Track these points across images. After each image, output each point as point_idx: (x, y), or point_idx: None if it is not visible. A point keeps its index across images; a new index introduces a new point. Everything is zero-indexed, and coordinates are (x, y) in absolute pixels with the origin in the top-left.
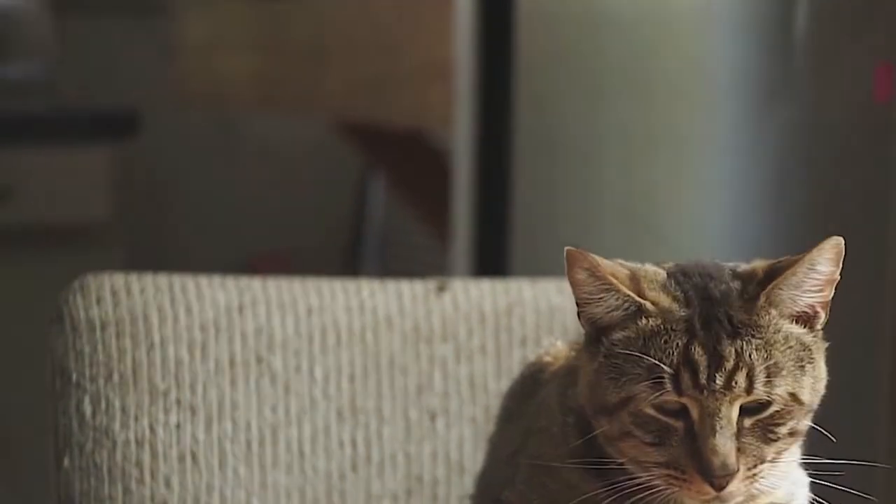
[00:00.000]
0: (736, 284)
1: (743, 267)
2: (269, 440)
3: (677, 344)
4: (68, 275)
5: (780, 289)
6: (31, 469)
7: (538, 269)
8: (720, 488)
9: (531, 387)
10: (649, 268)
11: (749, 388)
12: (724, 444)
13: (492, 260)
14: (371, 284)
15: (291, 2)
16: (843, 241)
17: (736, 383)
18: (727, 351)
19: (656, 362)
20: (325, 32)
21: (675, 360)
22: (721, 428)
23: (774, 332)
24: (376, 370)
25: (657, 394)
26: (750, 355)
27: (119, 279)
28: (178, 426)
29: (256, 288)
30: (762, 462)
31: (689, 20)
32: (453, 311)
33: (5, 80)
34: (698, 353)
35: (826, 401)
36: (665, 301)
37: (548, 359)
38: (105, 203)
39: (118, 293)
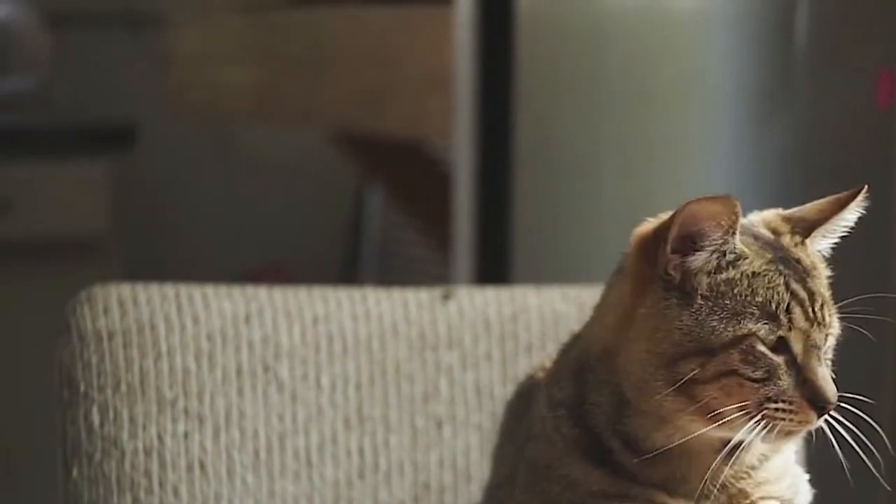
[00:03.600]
0: (768, 232)
1: (752, 217)
2: (277, 449)
3: (779, 283)
4: (66, 287)
5: (821, 234)
6: (35, 481)
7: (539, 277)
8: (823, 413)
9: (524, 404)
10: None
11: (832, 321)
12: (827, 372)
13: (492, 269)
14: (377, 293)
15: (288, 12)
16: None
17: (825, 317)
18: (815, 287)
19: (771, 301)
20: (323, 43)
21: (785, 297)
22: (823, 358)
23: (824, 272)
24: (382, 378)
25: (777, 329)
26: (824, 292)
27: (126, 290)
28: (185, 435)
29: (262, 297)
30: None
31: (689, 28)
32: (459, 319)
33: (1, 93)
34: (800, 289)
35: None
36: (752, 247)
37: (540, 374)
38: (102, 215)
39: (125, 303)
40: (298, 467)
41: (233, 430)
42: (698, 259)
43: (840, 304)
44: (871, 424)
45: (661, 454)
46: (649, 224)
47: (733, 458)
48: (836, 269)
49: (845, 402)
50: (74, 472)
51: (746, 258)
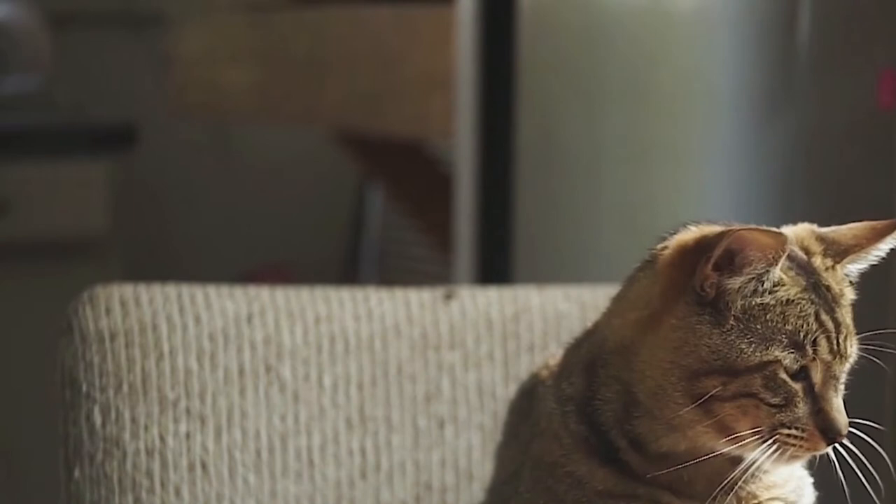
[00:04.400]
0: (803, 254)
1: (793, 229)
2: (279, 449)
3: (810, 312)
4: (66, 287)
5: (853, 262)
6: (37, 481)
7: (540, 277)
8: (833, 444)
9: (528, 403)
10: None
11: (853, 352)
12: (841, 404)
13: (494, 269)
14: (378, 293)
15: (289, 13)
16: None
17: (847, 349)
18: (841, 318)
19: (800, 330)
20: (324, 43)
21: (814, 328)
22: (839, 389)
23: (849, 300)
24: (385, 378)
25: (801, 359)
26: (848, 322)
27: (128, 290)
28: (187, 435)
29: (264, 297)
30: None
31: (691, 28)
32: (461, 319)
33: (2, 93)
34: (828, 320)
35: None
36: (790, 272)
37: (544, 373)
38: (103, 215)
39: (127, 304)
40: (300, 467)
41: (235, 431)
42: (736, 282)
43: (860, 336)
44: (874, 448)
45: (668, 456)
46: (692, 233)
47: (745, 472)
48: None
49: (852, 427)
50: (76, 473)
51: (783, 286)
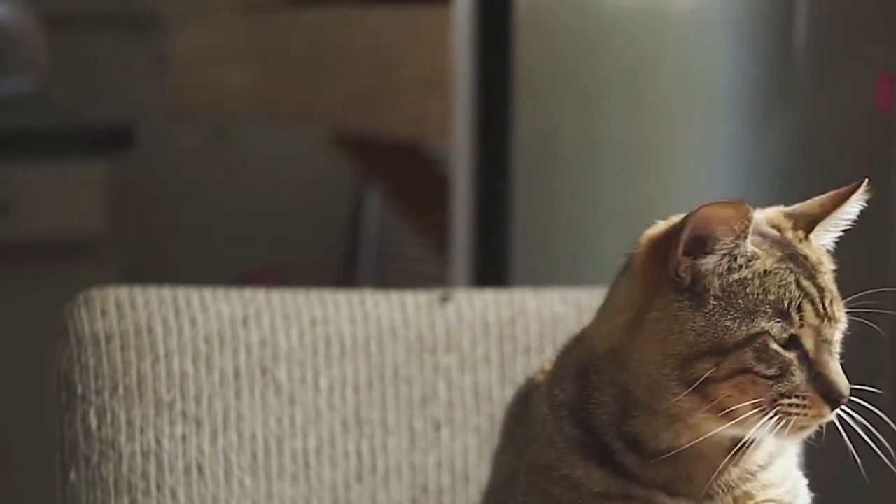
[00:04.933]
0: (773, 229)
1: (763, 212)
2: (275, 451)
3: (790, 280)
4: (63, 288)
5: (824, 229)
6: (33, 483)
7: (537, 279)
8: (837, 407)
9: (525, 407)
10: None
11: (841, 316)
12: (839, 367)
13: (490, 270)
14: (375, 295)
15: (287, 14)
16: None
17: (835, 313)
18: (824, 283)
19: (783, 299)
20: (321, 44)
21: (796, 295)
22: (834, 353)
23: (830, 267)
24: (381, 381)
25: (789, 327)
26: (832, 287)
27: (123, 292)
28: (183, 438)
29: (260, 300)
30: None
31: (688, 29)
32: (457, 322)
33: (0, 94)
34: (810, 286)
35: None
36: (762, 246)
37: (540, 377)
38: (100, 216)
39: (123, 306)
40: (296, 470)
41: (231, 433)
42: (709, 262)
43: (847, 300)
44: (880, 416)
45: (668, 452)
46: (659, 226)
47: (741, 455)
48: (838, 269)
49: (855, 395)
50: (72, 475)
51: (758, 258)
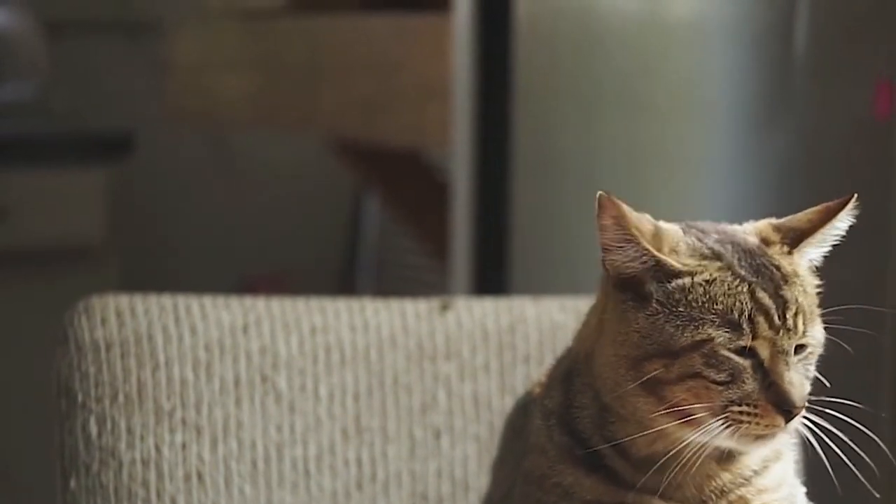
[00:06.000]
0: (755, 239)
1: (746, 226)
2: (275, 459)
3: (741, 291)
4: (62, 295)
5: (811, 245)
6: (33, 491)
7: (537, 286)
8: (791, 418)
9: (522, 419)
10: (669, 225)
11: (804, 331)
12: (796, 377)
13: (490, 278)
14: (374, 303)
15: (286, 21)
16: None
17: (798, 325)
18: (788, 295)
19: (732, 308)
20: (321, 51)
21: (748, 305)
22: (791, 364)
23: (806, 281)
24: (380, 389)
25: (737, 337)
26: (801, 300)
27: (123, 300)
28: (183, 446)
29: (260, 308)
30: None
31: (687, 38)
32: (457, 330)
33: None
34: (766, 298)
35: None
36: (705, 250)
37: (538, 389)
38: (99, 223)
39: (123, 314)
40: (296, 478)
41: (231, 441)
42: (611, 257)
43: (824, 312)
44: (864, 432)
45: (651, 460)
46: None
47: (731, 461)
48: (836, 278)
49: (834, 409)
50: (72, 483)
51: (700, 268)
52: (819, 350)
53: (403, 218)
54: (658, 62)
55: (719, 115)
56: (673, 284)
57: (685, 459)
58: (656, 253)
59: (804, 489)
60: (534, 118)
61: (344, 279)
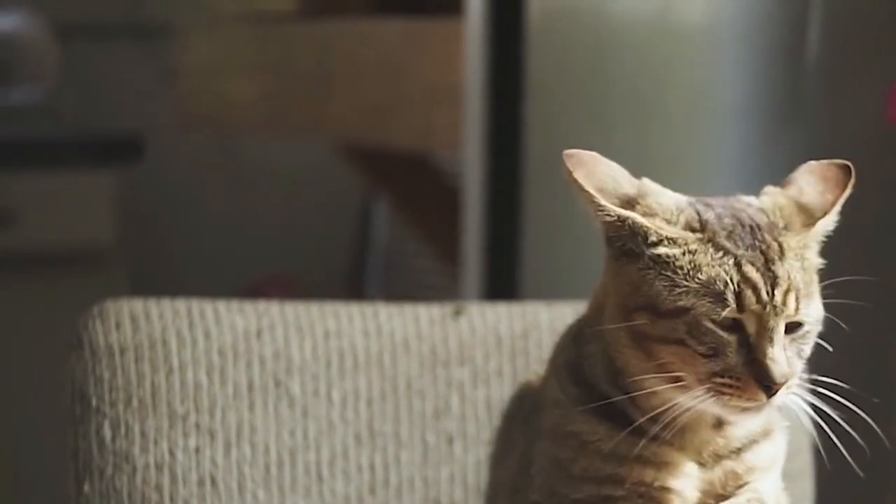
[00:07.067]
0: (765, 216)
1: (764, 200)
2: (288, 464)
3: (727, 263)
4: (72, 299)
5: (826, 221)
6: (46, 495)
7: (548, 291)
8: (772, 394)
9: (516, 406)
10: (669, 193)
11: (796, 308)
12: (781, 354)
13: (501, 282)
14: (388, 309)
15: (296, 25)
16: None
17: (788, 302)
18: (780, 271)
19: (717, 280)
20: (331, 55)
21: (735, 278)
22: (777, 340)
23: (808, 259)
24: (394, 394)
25: (721, 310)
26: (796, 278)
27: (138, 305)
28: (197, 450)
29: (274, 312)
30: (794, 375)
31: (699, 43)
32: (470, 335)
33: (9, 104)
34: (753, 272)
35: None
36: (675, 225)
37: (533, 378)
38: (109, 227)
39: (137, 318)
40: (309, 482)
41: (244, 445)
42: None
43: (825, 284)
44: (861, 416)
45: (657, 416)
46: None
47: (724, 427)
48: (846, 283)
49: (832, 391)
50: (86, 487)
51: (684, 238)
52: (817, 328)
53: (413, 222)
54: (670, 66)
55: (731, 119)
56: (655, 251)
57: (679, 420)
58: (619, 210)
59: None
60: (545, 122)
61: (353, 283)
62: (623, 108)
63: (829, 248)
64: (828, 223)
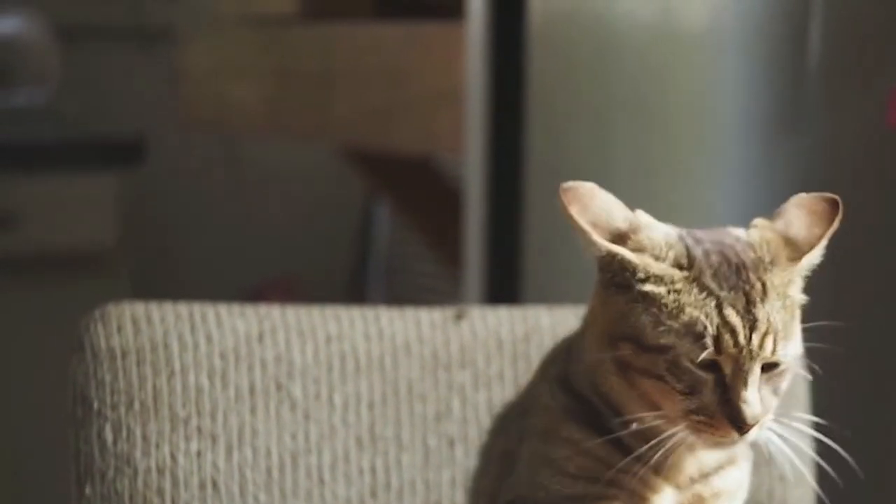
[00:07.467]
0: (752, 252)
1: (752, 234)
2: (290, 467)
3: (710, 305)
4: (74, 301)
5: (812, 256)
6: (47, 498)
7: (550, 295)
8: (744, 433)
9: (500, 423)
10: (661, 228)
11: (773, 351)
12: (754, 395)
13: (503, 286)
14: (389, 312)
15: (299, 28)
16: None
17: (766, 346)
18: (760, 315)
19: (697, 322)
20: (333, 58)
21: (714, 321)
22: (751, 382)
23: (790, 297)
24: (395, 397)
25: (700, 351)
26: (775, 320)
27: (139, 308)
28: (198, 454)
29: (275, 316)
30: (769, 411)
31: (701, 47)
32: (471, 339)
33: (11, 106)
34: (733, 315)
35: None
36: (664, 262)
37: (515, 399)
38: (111, 229)
39: (139, 322)
40: (311, 486)
41: (245, 449)
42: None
43: (805, 327)
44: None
45: (642, 435)
46: None
47: (666, 448)
48: (850, 289)
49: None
50: (87, 490)
51: (671, 276)
52: (794, 367)
53: (415, 225)
54: (671, 71)
55: (733, 124)
56: (643, 288)
57: (662, 444)
58: (609, 246)
59: None
60: (547, 126)
61: (354, 286)
62: (624, 111)
63: (830, 251)
64: (814, 257)
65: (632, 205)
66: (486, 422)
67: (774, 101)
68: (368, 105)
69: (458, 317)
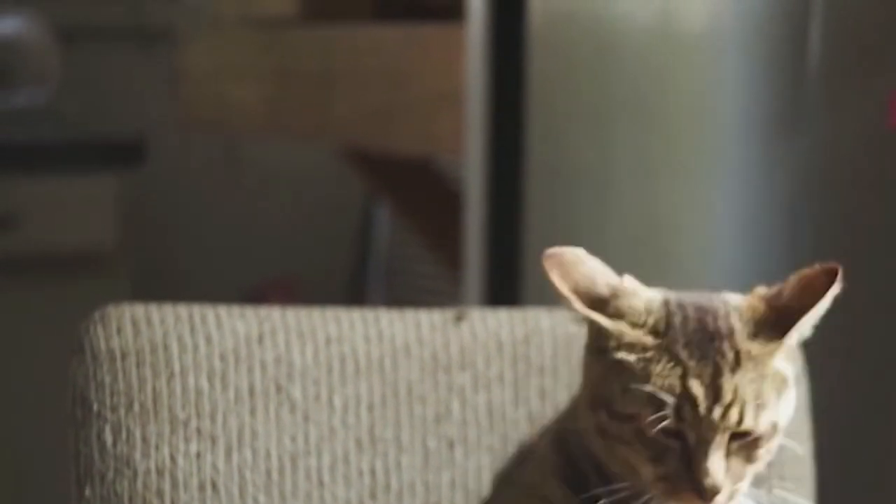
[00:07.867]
0: (736, 320)
1: (741, 301)
2: (289, 469)
3: (674, 376)
4: (75, 302)
5: (800, 328)
6: (47, 500)
7: (550, 296)
8: (709, 502)
9: (510, 468)
10: (644, 295)
11: (740, 421)
12: (715, 467)
13: (503, 287)
14: (389, 314)
15: (299, 30)
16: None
17: (730, 417)
18: (726, 386)
19: (659, 392)
20: (333, 59)
21: (677, 391)
22: (713, 453)
23: (771, 367)
24: (395, 399)
25: (661, 422)
26: (745, 391)
27: (139, 309)
28: (198, 455)
29: (275, 318)
30: (742, 479)
31: (701, 49)
32: (471, 341)
33: (11, 107)
34: (696, 386)
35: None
36: (641, 329)
37: (536, 440)
38: (111, 230)
39: (138, 323)
40: (310, 488)
41: (245, 451)
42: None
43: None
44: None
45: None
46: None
47: None
48: (850, 289)
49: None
50: (87, 492)
51: (643, 345)
52: (775, 436)
53: (415, 226)
54: (672, 72)
55: (733, 126)
56: (614, 356)
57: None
58: (586, 311)
59: None
60: (547, 127)
61: (354, 287)
62: (625, 113)
63: (831, 253)
64: (803, 329)
65: (632, 205)
66: (486, 424)
67: (774, 102)
68: (368, 106)
69: (458, 318)
